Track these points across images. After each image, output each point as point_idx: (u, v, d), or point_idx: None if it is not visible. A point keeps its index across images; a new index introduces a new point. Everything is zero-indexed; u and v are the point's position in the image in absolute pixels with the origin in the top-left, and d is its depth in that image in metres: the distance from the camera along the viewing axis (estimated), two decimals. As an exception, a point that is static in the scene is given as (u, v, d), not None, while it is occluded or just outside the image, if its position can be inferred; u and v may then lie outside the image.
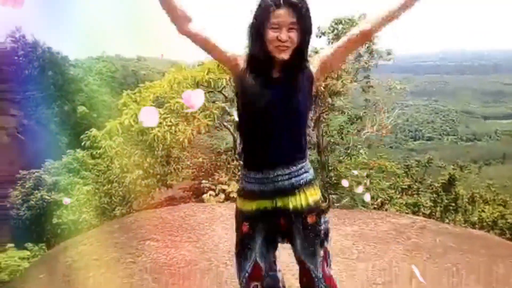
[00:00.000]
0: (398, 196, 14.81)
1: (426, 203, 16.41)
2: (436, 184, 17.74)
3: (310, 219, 1.80)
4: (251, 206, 1.85)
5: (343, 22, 10.77)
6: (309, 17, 1.74)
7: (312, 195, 1.81)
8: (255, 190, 1.82)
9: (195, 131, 7.77)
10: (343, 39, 1.82)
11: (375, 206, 11.69)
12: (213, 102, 8.60)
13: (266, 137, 1.76)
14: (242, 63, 1.82)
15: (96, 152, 9.09)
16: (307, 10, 1.72)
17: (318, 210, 1.83)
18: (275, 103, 1.73)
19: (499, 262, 3.96)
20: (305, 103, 1.78)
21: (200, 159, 10.37)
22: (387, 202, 12.71)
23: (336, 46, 1.85)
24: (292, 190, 1.79)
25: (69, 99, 32.26)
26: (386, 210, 11.64)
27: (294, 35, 1.69)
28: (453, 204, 16.38)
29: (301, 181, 1.79)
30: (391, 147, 50.53)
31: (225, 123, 9.35)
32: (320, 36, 11.02)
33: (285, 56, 1.71)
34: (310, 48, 1.83)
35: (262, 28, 1.70)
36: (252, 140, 1.83)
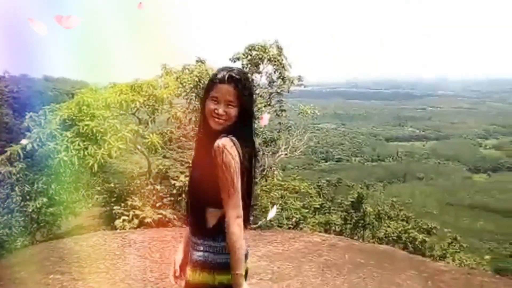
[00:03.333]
0: (311, 215, 15.36)
1: (337, 221, 17.26)
2: (346, 203, 18.75)
3: None
4: None
5: (256, 48, 11.12)
6: (250, 99, 1.83)
7: (193, 277, 1.78)
8: None
9: (105, 155, 7.44)
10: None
11: (291, 225, 12.00)
12: (126, 125, 8.30)
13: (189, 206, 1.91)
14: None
15: (-6, 179, 8.33)
16: (250, 93, 1.83)
17: None
18: (192, 178, 1.88)
19: (402, 274, 4.26)
20: (209, 182, 1.75)
21: (112, 184, 9.91)
22: (302, 221, 13.10)
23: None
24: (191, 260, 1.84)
25: (-38, 121, 29.34)
26: (301, 229, 12.00)
27: (232, 111, 1.76)
28: (362, 221, 17.40)
29: (194, 256, 1.82)
30: (304, 169, 52.62)
31: (139, 147, 9.04)
32: (234, 61, 11.26)
33: (219, 128, 1.76)
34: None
35: (205, 99, 1.80)
36: None
